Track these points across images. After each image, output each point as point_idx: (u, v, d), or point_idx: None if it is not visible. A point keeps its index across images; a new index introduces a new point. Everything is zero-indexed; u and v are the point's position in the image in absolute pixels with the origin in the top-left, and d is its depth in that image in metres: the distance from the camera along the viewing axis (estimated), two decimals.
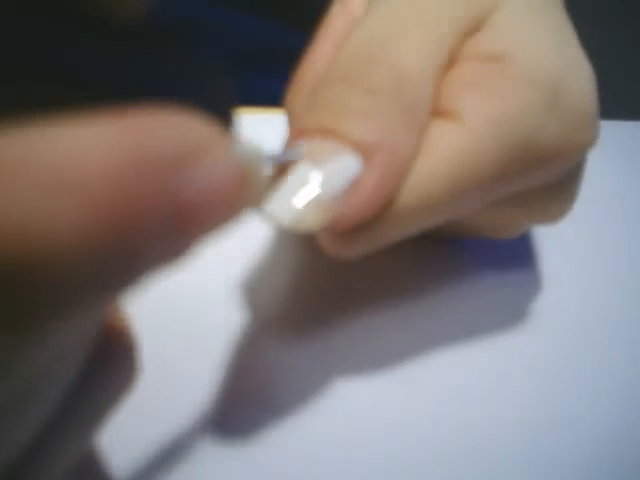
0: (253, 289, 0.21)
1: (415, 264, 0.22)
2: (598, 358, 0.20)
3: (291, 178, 0.15)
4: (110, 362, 0.12)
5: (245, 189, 0.09)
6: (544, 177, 0.17)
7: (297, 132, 0.15)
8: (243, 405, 0.17)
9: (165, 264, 0.09)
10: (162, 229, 0.08)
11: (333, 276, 0.21)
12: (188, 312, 0.20)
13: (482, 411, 0.18)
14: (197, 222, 0.09)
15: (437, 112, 0.16)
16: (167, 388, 0.17)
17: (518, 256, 0.23)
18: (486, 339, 0.20)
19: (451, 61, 0.16)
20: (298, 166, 0.15)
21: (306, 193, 0.14)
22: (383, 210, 0.15)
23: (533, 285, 0.22)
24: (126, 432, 0.16)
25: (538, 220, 0.20)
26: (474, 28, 0.17)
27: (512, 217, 0.19)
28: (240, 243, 0.23)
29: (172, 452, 0.16)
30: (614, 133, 0.33)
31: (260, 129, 0.30)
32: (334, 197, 0.14)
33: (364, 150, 0.15)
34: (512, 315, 0.21)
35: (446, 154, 0.15)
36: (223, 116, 0.11)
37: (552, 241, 0.24)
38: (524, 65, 0.16)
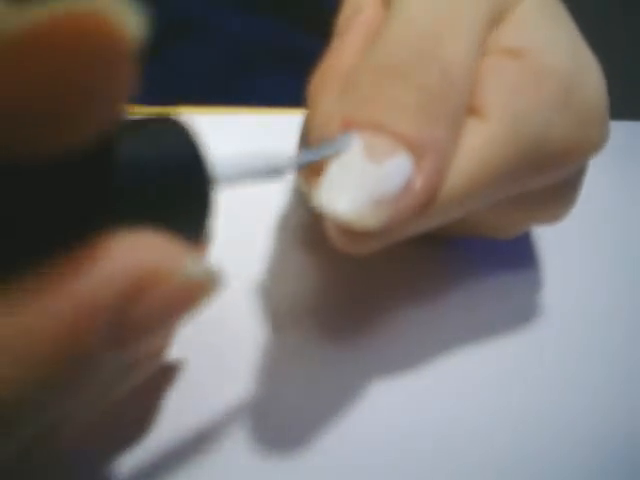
0: (268, 295, 0.21)
1: (416, 264, 0.22)
2: (602, 356, 0.20)
3: (347, 170, 0.14)
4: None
5: (193, 304, 0.10)
6: (553, 177, 0.17)
7: (346, 122, 0.15)
8: (264, 410, 0.17)
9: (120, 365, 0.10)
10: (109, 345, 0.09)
11: (340, 279, 0.21)
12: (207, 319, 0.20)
13: (490, 409, 0.18)
14: (141, 336, 0.10)
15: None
16: (188, 395, 0.17)
17: (519, 256, 0.23)
18: (491, 339, 0.20)
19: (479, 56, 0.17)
20: (354, 157, 0.14)
21: (368, 189, 0.14)
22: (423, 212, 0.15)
23: (536, 284, 0.22)
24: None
25: (540, 220, 0.20)
26: (497, 21, 0.17)
27: (515, 217, 0.19)
28: (248, 243, 0.23)
29: (194, 457, 0.16)
30: (614, 133, 0.33)
31: (260, 129, 0.30)
32: (392, 197, 0.14)
33: (417, 149, 0.14)
34: (516, 314, 0.21)
35: (469, 150, 0.15)
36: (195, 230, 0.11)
37: (551, 240, 0.24)
38: (542, 62, 0.16)
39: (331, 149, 0.14)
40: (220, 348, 0.19)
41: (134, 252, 0.09)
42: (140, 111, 0.32)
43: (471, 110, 0.16)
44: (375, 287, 0.21)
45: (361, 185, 0.14)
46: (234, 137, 0.29)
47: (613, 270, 0.23)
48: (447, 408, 0.18)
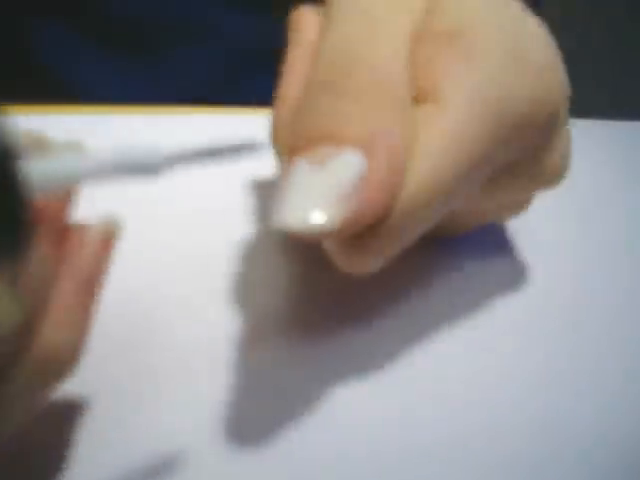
0: (252, 292, 0.21)
1: (404, 262, 0.22)
2: (587, 341, 0.20)
3: (293, 183, 0.14)
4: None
5: None
6: (528, 139, 0.17)
7: (291, 151, 0.15)
8: (244, 409, 0.17)
9: None
10: None
11: (327, 277, 0.21)
12: (185, 318, 0.20)
13: (479, 400, 0.18)
14: None
15: (415, 98, 0.17)
16: (164, 394, 0.17)
17: (506, 249, 0.23)
18: (478, 331, 0.20)
19: (414, 44, 0.17)
20: (297, 171, 0.15)
21: (315, 193, 0.14)
22: (392, 203, 0.15)
23: (522, 277, 0.22)
24: (119, 438, 0.16)
25: (533, 187, 0.20)
26: (431, 9, 0.18)
27: (510, 191, 0.19)
28: (235, 248, 0.23)
29: (168, 456, 0.16)
30: (614, 133, 0.33)
31: (260, 129, 0.30)
32: (344, 193, 0.14)
33: (363, 144, 0.15)
34: (500, 305, 0.21)
35: (437, 136, 0.16)
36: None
37: (551, 241, 0.24)
38: (479, 37, 0.17)
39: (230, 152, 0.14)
40: (194, 349, 0.19)
41: None
42: (139, 110, 0.32)
43: (426, 98, 0.16)
44: (357, 284, 0.21)
45: (312, 192, 0.14)
46: (237, 137, 0.29)
47: (613, 271, 0.23)
48: (435, 402, 0.18)
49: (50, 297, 0.13)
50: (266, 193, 0.25)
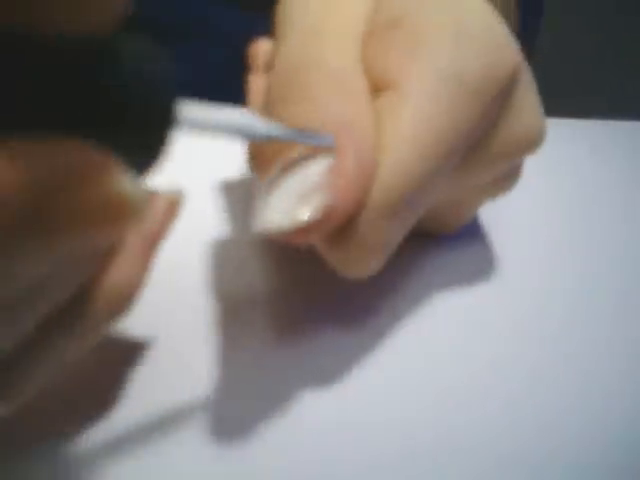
0: (237, 288, 0.21)
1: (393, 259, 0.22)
2: (577, 340, 0.20)
3: (270, 189, 0.15)
4: None
5: (116, 220, 0.10)
6: (489, 108, 0.18)
7: (261, 164, 0.16)
8: (229, 407, 0.17)
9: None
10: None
11: (310, 275, 0.21)
12: (168, 315, 0.20)
13: (463, 393, 0.18)
14: (63, 231, 0.10)
15: (372, 90, 0.17)
16: (146, 389, 0.17)
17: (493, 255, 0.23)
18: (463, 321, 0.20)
19: (365, 38, 0.18)
20: (272, 177, 0.15)
21: (290, 194, 0.15)
22: (363, 195, 0.15)
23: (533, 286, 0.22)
24: (110, 434, 0.16)
25: (507, 157, 0.20)
26: (376, 3, 0.18)
27: (485, 168, 0.20)
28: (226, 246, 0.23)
29: (157, 450, 0.16)
30: (614, 133, 0.33)
31: None
32: (317, 186, 0.15)
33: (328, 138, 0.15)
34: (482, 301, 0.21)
35: (402, 125, 0.16)
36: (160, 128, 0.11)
37: (551, 241, 0.24)
38: (420, 21, 0.17)
39: (312, 139, 0.15)
40: (177, 341, 0.19)
41: (69, 149, 0.10)
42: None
43: (384, 86, 0.17)
44: (338, 280, 0.21)
45: (283, 193, 0.15)
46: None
47: (613, 270, 0.23)
48: (420, 397, 0.18)
49: (118, 246, 0.15)
50: (237, 193, 0.25)
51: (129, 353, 0.18)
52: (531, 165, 0.22)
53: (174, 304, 0.20)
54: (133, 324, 0.19)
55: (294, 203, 0.15)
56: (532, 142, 0.20)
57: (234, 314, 0.20)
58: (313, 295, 0.21)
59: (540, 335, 0.20)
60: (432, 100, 0.16)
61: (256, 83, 0.20)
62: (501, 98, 0.18)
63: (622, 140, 0.33)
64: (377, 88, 0.17)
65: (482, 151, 0.19)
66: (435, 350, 0.19)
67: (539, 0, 0.44)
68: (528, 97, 0.19)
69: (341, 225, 0.15)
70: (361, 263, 0.16)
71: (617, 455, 0.17)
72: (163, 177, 0.23)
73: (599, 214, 0.26)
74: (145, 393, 0.17)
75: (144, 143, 0.11)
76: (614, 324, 0.21)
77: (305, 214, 0.14)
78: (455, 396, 0.18)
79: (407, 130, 0.16)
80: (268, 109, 0.17)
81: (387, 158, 0.16)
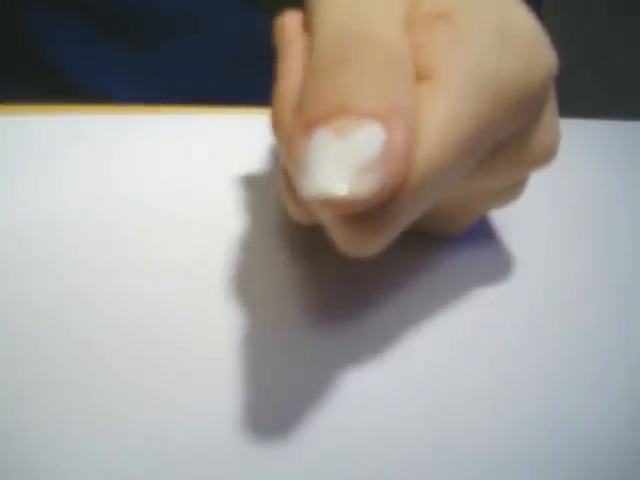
0: (252, 283, 0.21)
1: (400, 255, 0.22)
2: (581, 339, 0.20)
3: (322, 153, 0.15)
4: None
5: None
6: (520, 116, 0.18)
7: (306, 122, 0.15)
8: (251, 400, 0.17)
9: None
10: None
11: (322, 267, 0.21)
12: (185, 312, 0.20)
13: (467, 391, 0.18)
14: None
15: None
16: (170, 387, 0.17)
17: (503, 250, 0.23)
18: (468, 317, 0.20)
19: (407, 26, 0.18)
20: (324, 142, 0.15)
21: (349, 161, 0.14)
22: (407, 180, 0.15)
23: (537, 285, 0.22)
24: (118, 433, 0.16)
25: (524, 168, 0.20)
26: None
27: (500, 174, 0.20)
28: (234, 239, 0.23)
29: (175, 448, 0.16)
30: (614, 133, 0.33)
31: (260, 129, 0.30)
32: (369, 165, 0.14)
33: (383, 118, 0.15)
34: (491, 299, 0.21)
35: (438, 115, 0.16)
36: None
37: (552, 241, 0.24)
38: (466, 17, 0.17)
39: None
40: (200, 335, 0.19)
41: None
42: (140, 110, 0.32)
43: (420, 78, 0.17)
44: (347, 276, 0.21)
45: (341, 159, 0.14)
46: (236, 136, 0.29)
47: (613, 270, 0.23)
48: (425, 394, 0.18)
49: None
50: (256, 187, 0.25)
51: (149, 345, 0.18)
52: None
53: (193, 293, 0.20)
54: (154, 318, 0.19)
55: (354, 173, 0.14)
56: (548, 157, 0.20)
57: (256, 306, 0.20)
58: (314, 294, 0.21)
59: (548, 336, 0.20)
60: (466, 101, 0.16)
61: (291, 54, 0.19)
62: (534, 105, 0.18)
63: (622, 140, 0.33)
64: (417, 76, 0.17)
65: (501, 158, 0.19)
66: (439, 353, 0.19)
67: (538, 0, 0.44)
68: (553, 111, 0.20)
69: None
70: (369, 242, 0.16)
71: (622, 457, 0.17)
72: (182, 175, 0.23)
73: (599, 214, 0.26)
74: (164, 383, 0.17)
75: None
76: (617, 324, 0.21)
77: (367, 185, 0.14)
78: (466, 397, 0.18)
79: (437, 122, 0.16)
80: (310, 81, 0.17)
81: (418, 145, 0.16)
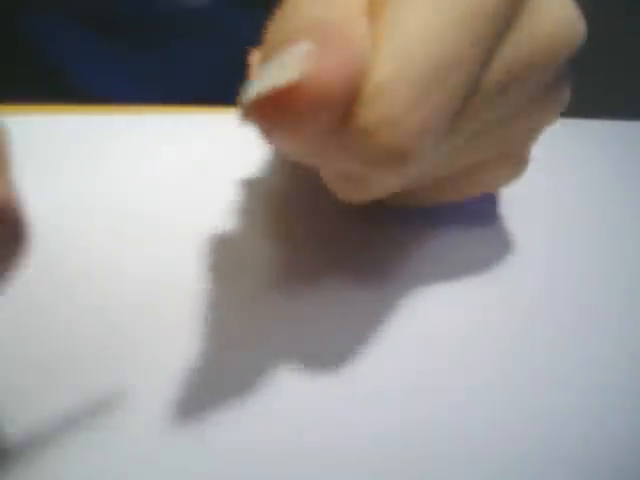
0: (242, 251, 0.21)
1: (387, 228, 0.22)
2: (576, 325, 0.20)
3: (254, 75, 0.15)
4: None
5: None
6: None
7: (262, 57, 0.15)
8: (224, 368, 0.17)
9: None
10: None
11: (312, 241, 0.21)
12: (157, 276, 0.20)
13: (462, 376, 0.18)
14: None
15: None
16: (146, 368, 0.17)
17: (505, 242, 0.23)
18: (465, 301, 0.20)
19: None
20: (261, 67, 0.15)
21: (271, 69, 0.14)
22: (347, 90, 0.14)
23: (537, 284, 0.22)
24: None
25: (537, 122, 0.19)
26: None
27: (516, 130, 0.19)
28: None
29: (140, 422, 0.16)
30: (614, 133, 0.33)
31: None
32: (295, 63, 0.14)
33: (314, 35, 0.14)
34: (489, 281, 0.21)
35: (415, 9, 0.15)
36: None
37: (552, 241, 0.24)
38: None
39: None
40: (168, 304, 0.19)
41: None
42: (139, 110, 0.32)
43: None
44: (345, 251, 0.21)
45: (269, 72, 0.14)
46: (236, 136, 0.29)
47: (612, 270, 0.23)
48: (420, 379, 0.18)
49: None
50: (256, 188, 0.25)
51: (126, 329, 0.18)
52: (531, 164, 0.22)
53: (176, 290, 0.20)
54: (154, 316, 0.19)
55: (276, 73, 0.14)
56: (565, 36, 0.18)
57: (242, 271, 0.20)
58: (311, 290, 0.21)
59: (545, 333, 0.20)
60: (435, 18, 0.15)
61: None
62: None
63: (622, 140, 0.33)
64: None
65: (505, 56, 0.17)
66: (433, 345, 0.19)
67: None
68: None
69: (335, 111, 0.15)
70: (368, 192, 0.15)
71: (621, 457, 0.17)
72: (182, 175, 0.23)
73: (598, 214, 0.26)
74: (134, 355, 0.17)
75: None
76: (617, 324, 0.21)
77: (285, 76, 0.14)
78: (462, 392, 0.18)
79: (424, 17, 0.15)
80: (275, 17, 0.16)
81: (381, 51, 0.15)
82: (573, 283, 0.23)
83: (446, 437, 0.17)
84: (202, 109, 0.31)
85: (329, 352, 0.19)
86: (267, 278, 0.21)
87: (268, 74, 0.14)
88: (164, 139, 0.28)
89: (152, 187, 0.25)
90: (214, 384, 0.18)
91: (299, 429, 0.17)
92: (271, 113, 0.14)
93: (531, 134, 0.21)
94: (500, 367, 0.19)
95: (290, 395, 0.18)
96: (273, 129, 0.15)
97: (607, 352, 0.20)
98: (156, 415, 0.16)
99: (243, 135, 0.29)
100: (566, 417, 0.18)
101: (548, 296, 0.22)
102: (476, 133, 0.19)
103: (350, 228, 0.23)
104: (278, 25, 0.15)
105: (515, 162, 0.21)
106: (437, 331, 0.20)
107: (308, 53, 0.14)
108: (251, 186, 0.26)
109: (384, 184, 0.16)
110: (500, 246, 0.23)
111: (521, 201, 0.24)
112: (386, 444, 0.17)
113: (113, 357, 0.18)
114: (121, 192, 0.24)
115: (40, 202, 0.23)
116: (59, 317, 0.19)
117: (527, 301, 0.22)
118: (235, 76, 0.39)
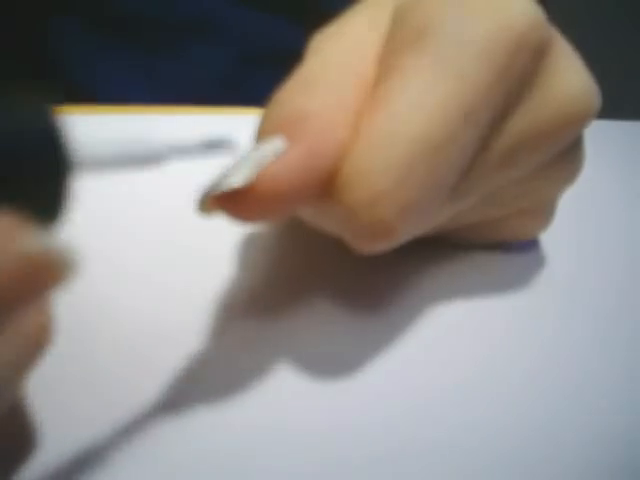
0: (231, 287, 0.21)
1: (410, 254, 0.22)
2: (591, 340, 0.20)
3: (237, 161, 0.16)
4: None
5: (40, 283, 0.10)
6: (505, 72, 0.16)
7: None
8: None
9: None
10: None
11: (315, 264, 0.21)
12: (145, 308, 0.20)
13: (477, 394, 0.18)
14: None
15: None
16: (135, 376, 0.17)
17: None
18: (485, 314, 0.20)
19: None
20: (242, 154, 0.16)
21: (249, 163, 0.15)
22: (309, 181, 0.15)
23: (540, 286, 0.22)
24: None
25: (552, 188, 0.20)
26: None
27: (532, 193, 0.19)
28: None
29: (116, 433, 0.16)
30: (614, 133, 0.33)
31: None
32: (260, 165, 0.15)
33: (286, 130, 0.15)
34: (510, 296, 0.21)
35: (408, 90, 0.15)
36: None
37: (551, 242, 0.24)
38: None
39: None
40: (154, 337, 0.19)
41: None
42: (140, 110, 0.32)
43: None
44: (359, 274, 0.21)
45: (242, 166, 0.15)
46: (236, 136, 0.29)
47: (611, 270, 0.23)
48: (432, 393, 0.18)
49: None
50: None
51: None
52: None
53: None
54: (153, 317, 0.19)
55: (236, 172, 0.15)
56: (577, 109, 0.17)
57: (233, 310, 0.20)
58: (315, 294, 0.21)
59: (547, 339, 0.20)
60: (435, 66, 0.15)
61: None
62: (520, 60, 0.16)
63: (622, 140, 0.33)
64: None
65: (514, 126, 0.17)
66: (434, 353, 0.19)
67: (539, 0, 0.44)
68: (568, 56, 0.18)
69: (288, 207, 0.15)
70: (383, 243, 0.15)
71: (619, 456, 0.17)
72: (182, 175, 0.23)
73: (598, 214, 0.26)
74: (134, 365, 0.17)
75: (45, 197, 0.11)
76: (616, 325, 0.21)
77: (236, 179, 0.14)
78: (463, 396, 0.18)
79: (412, 97, 0.15)
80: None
81: (390, 123, 0.15)
82: (573, 283, 0.23)
83: (446, 438, 0.17)
84: (202, 109, 0.31)
85: (329, 355, 0.19)
86: (265, 294, 0.21)
87: (232, 171, 0.15)
88: (164, 139, 0.28)
89: (152, 186, 0.25)
90: (214, 384, 0.18)
91: (299, 429, 0.17)
92: (226, 207, 0.15)
93: (548, 195, 0.21)
94: (499, 374, 0.19)
95: (290, 395, 0.18)
96: (232, 218, 0.16)
97: (607, 352, 0.20)
98: (156, 415, 0.16)
99: (243, 136, 0.29)
100: (566, 420, 0.18)
101: (548, 297, 0.22)
102: (492, 193, 0.19)
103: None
104: (267, 113, 0.16)
105: (538, 216, 0.21)
106: (437, 334, 0.20)
107: (275, 150, 0.15)
108: None
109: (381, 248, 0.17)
110: (500, 246, 0.23)
111: None
112: (384, 447, 0.17)
113: (112, 354, 0.18)
114: (120, 191, 0.24)
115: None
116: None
117: (527, 301, 0.22)
118: (248, 77, 0.39)
